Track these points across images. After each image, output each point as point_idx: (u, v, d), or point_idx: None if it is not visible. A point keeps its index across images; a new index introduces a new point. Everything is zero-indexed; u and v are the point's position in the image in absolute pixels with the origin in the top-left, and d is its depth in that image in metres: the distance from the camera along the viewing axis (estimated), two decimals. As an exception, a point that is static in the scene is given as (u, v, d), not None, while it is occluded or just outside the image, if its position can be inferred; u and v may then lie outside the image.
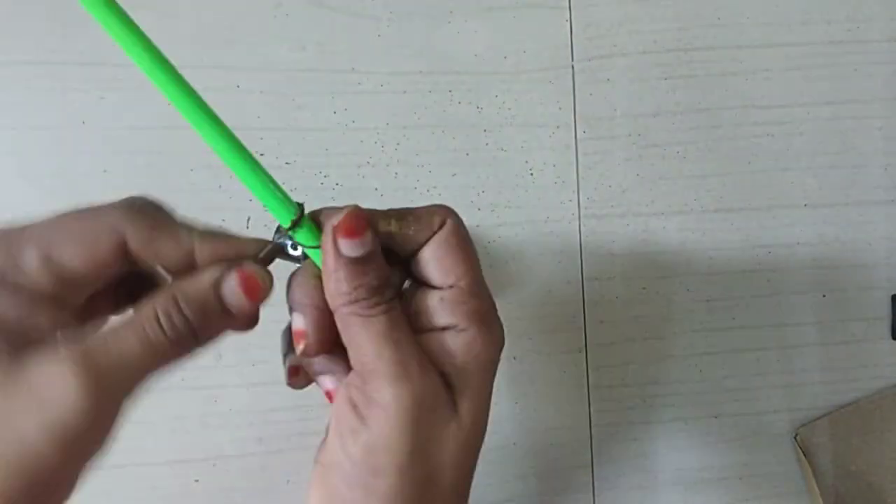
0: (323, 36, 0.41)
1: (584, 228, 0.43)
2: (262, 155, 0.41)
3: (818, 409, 0.45)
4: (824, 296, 0.45)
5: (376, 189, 0.42)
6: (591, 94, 0.43)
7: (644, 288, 0.44)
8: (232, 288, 0.23)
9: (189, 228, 0.23)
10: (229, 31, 0.40)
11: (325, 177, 0.41)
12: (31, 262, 0.20)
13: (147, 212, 0.22)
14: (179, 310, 0.21)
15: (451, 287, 0.24)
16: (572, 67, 0.43)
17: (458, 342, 0.23)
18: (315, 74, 0.41)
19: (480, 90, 0.42)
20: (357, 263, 0.23)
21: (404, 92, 0.42)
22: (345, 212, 0.23)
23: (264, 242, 0.24)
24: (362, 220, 0.23)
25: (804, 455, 0.44)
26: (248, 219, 0.41)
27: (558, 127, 0.43)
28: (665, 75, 0.43)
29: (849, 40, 0.44)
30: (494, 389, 0.43)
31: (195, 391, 0.41)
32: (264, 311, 0.42)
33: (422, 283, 0.25)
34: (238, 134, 0.41)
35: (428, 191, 0.42)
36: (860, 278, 0.45)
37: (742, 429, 0.45)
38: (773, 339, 0.45)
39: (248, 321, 0.24)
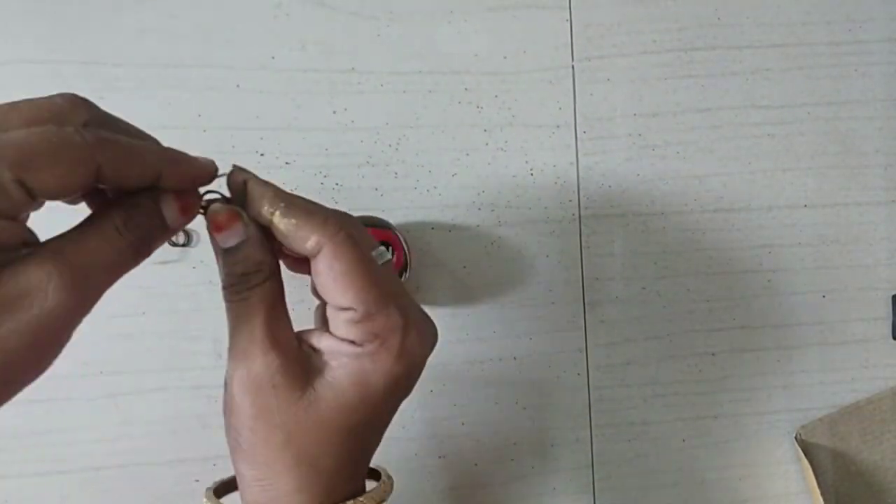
0: (323, 36, 0.41)
1: (584, 228, 0.43)
2: (261, 155, 0.41)
3: (818, 409, 0.45)
4: (824, 296, 0.45)
5: (376, 189, 0.42)
6: (591, 94, 0.43)
7: (644, 288, 0.44)
8: (171, 207, 0.25)
9: (151, 157, 0.24)
10: (229, 31, 0.40)
11: (325, 177, 0.41)
12: (6, 184, 0.20)
13: (118, 142, 0.23)
14: (134, 222, 0.24)
15: (345, 309, 0.26)
16: (572, 67, 0.43)
17: (349, 352, 0.26)
18: (315, 74, 0.41)
19: (480, 90, 0.42)
20: (227, 253, 0.26)
21: (404, 92, 0.42)
22: (218, 207, 0.26)
23: (208, 163, 0.27)
24: (229, 216, 0.26)
25: (804, 455, 0.44)
26: (248, 219, 0.41)
27: (558, 127, 0.43)
28: (665, 75, 0.43)
29: (849, 40, 0.44)
30: (495, 389, 0.43)
31: (195, 391, 0.41)
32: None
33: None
34: (238, 134, 0.41)
35: (428, 191, 0.42)
36: (860, 278, 0.45)
37: (742, 429, 0.45)
38: (773, 339, 0.45)
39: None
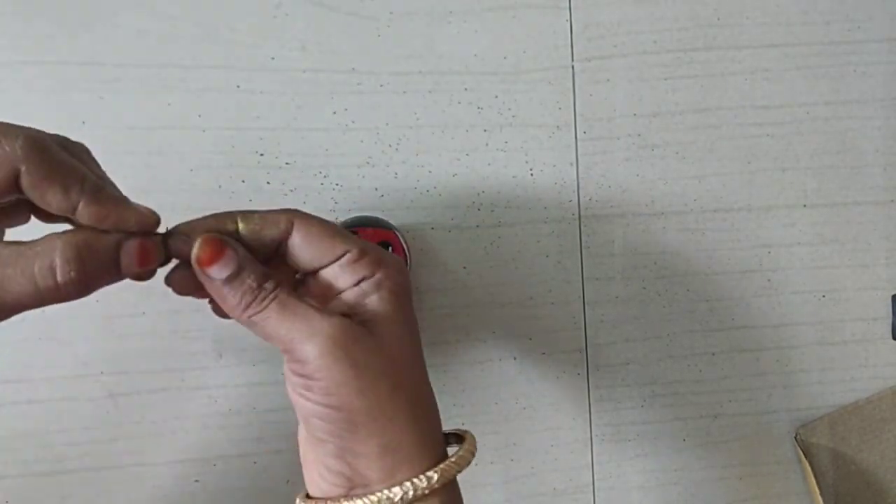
0: (323, 36, 0.41)
1: (584, 228, 0.43)
2: (261, 155, 0.41)
3: (818, 409, 0.45)
4: (824, 296, 0.45)
5: (376, 189, 0.42)
6: (591, 94, 0.43)
7: (644, 288, 0.44)
8: (129, 253, 0.24)
9: (80, 183, 0.23)
10: (229, 31, 0.40)
11: (324, 177, 0.41)
12: None
13: (47, 155, 0.23)
14: (79, 262, 0.23)
15: (340, 257, 0.27)
16: (572, 67, 0.43)
17: (370, 286, 0.28)
18: (315, 74, 0.41)
19: (480, 90, 0.42)
20: (231, 279, 0.26)
21: (404, 92, 0.42)
22: (198, 242, 0.25)
23: (145, 216, 0.25)
24: (217, 244, 0.25)
25: (804, 455, 0.44)
26: (248, 219, 0.41)
27: (558, 127, 0.43)
28: (665, 75, 0.43)
29: (849, 40, 0.44)
30: (496, 390, 0.43)
31: (195, 391, 0.41)
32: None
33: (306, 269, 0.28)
34: (238, 134, 0.41)
35: (428, 191, 0.42)
36: (860, 278, 0.45)
37: (742, 429, 0.45)
38: (773, 339, 0.45)
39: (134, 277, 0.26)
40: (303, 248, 0.27)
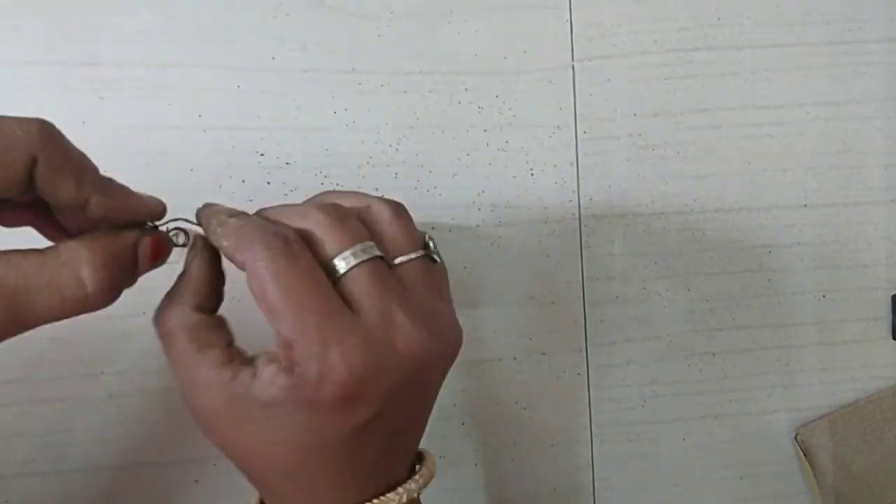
0: (323, 36, 0.41)
1: (584, 228, 0.43)
2: (262, 155, 0.41)
3: (818, 409, 0.45)
4: (824, 296, 0.45)
5: (377, 189, 0.42)
6: (591, 94, 0.43)
7: (644, 288, 0.44)
8: (144, 251, 0.25)
9: (92, 173, 0.24)
10: (229, 31, 0.40)
11: (325, 177, 0.41)
12: None
13: (60, 143, 0.22)
14: (107, 270, 0.23)
15: (278, 333, 0.25)
16: (572, 67, 0.43)
17: (269, 377, 0.25)
18: (315, 74, 0.41)
19: (480, 90, 0.42)
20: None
21: (404, 92, 0.42)
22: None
23: (154, 206, 0.27)
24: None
25: (804, 455, 0.44)
26: (248, 219, 0.41)
27: (558, 127, 0.43)
28: (665, 75, 0.43)
29: (849, 40, 0.44)
30: (496, 390, 0.43)
31: (195, 391, 0.41)
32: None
33: None
34: (238, 134, 0.41)
35: (428, 191, 0.42)
36: (860, 278, 0.45)
37: (742, 429, 0.45)
38: (773, 339, 0.45)
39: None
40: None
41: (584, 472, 0.44)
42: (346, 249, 0.25)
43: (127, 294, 0.40)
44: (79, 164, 0.23)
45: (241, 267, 0.25)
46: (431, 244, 0.29)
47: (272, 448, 0.25)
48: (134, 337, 0.40)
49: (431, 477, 0.29)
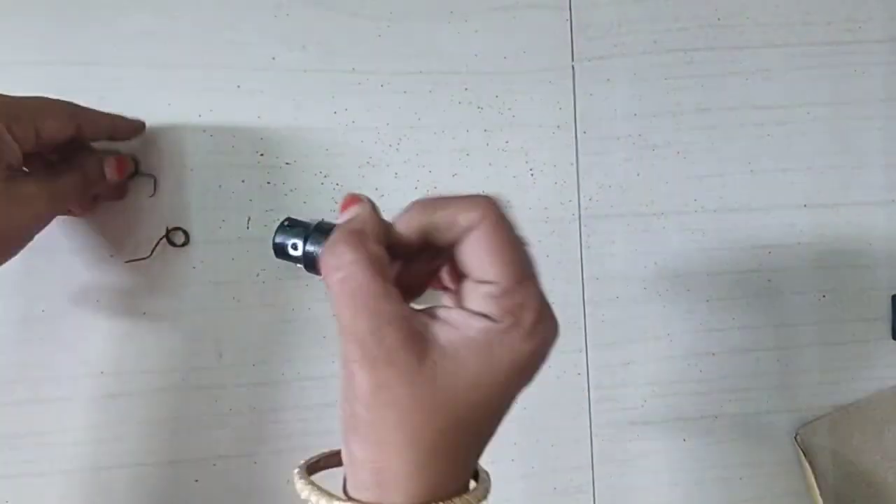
0: (323, 36, 0.41)
1: (584, 228, 0.43)
2: (261, 155, 0.41)
3: (818, 409, 0.45)
4: (824, 296, 0.45)
5: (377, 189, 0.42)
6: (591, 94, 0.43)
7: (644, 288, 0.44)
8: (110, 165, 0.37)
9: (104, 116, 0.37)
10: (229, 31, 0.40)
11: (325, 177, 0.41)
12: (30, 131, 0.32)
13: (88, 109, 0.36)
14: (84, 169, 0.36)
15: (488, 283, 0.25)
16: (572, 67, 0.43)
17: (479, 326, 0.25)
18: (315, 74, 0.41)
19: (480, 90, 0.42)
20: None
21: (404, 92, 0.42)
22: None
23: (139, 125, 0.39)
24: (351, 197, 0.28)
25: (804, 455, 0.44)
26: (249, 219, 0.41)
27: (558, 127, 0.43)
28: (665, 75, 0.43)
29: (849, 40, 0.44)
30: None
31: (195, 391, 0.41)
32: (260, 315, 0.42)
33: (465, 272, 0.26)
34: (239, 134, 0.41)
35: (428, 191, 0.42)
36: (860, 278, 0.45)
37: (742, 429, 0.45)
38: (773, 339, 0.45)
39: (118, 192, 0.40)
40: (468, 250, 0.26)
41: (584, 472, 0.44)
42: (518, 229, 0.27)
43: (127, 294, 0.41)
44: (99, 117, 0.37)
45: (462, 225, 0.26)
46: None
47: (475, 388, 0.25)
48: (134, 337, 0.40)
49: (486, 494, 0.27)
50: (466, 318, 0.25)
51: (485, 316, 0.25)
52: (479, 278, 0.25)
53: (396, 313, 0.24)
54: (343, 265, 0.25)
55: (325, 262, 0.25)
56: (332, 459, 0.29)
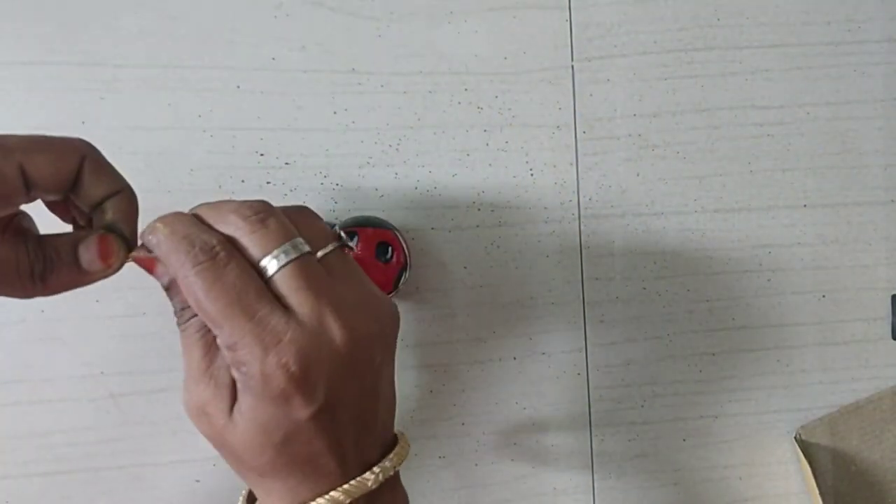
0: (323, 36, 0.41)
1: (584, 228, 0.43)
2: (261, 155, 0.41)
3: (818, 409, 0.45)
4: (824, 296, 0.45)
5: (376, 189, 0.42)
6: (591, 95, 0.43)
7: (644, 288, 0.44)
8: (90, 249, 0.27)
9: (120, 182, 0.29)
10: (229, 31, 0.40)
11: (324, 177, 0.41)
12: (9, 170, 0.25)
13: (98, 152, 0.28)
14: (40, 258, 0.26)
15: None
16: (572, 67, 0.43)
17: (238, 379, 0.27)
18: (315, 74, 0.41)
19: (480, 90, 0.42)
20: (165, 289, 0.28)
21: (404, 92, 0.42)
22: (140, 253, 0.27)
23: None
24: (148, 262, 0.27)
25: (804, 455, 0.44)
26: (249, 219, 0.41)
27: (558, 127, 0.43)
28: (665, 75, 0.43)
29: (849, 40, 0.44)
30: (496, 390, 0.43)
31: (195, 391, 0.41)
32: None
33: None
34: (238, 134, 0.41)
35: (428, 191, 0.42)
36: (860, 278, 0.45)
37: (742, 429, 0.45)
38: (773, 339, 0.45)
39: (102, 277, 0.28)
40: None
41: (584, 472, 0.44)
42: (270, 252, 0.26)
43: (127, 294, 0.41)
44: (111, 170, 0.28)
45: (174, 276, 0.26)
46: (342, 234, 0.31)
47: (243, 443, 0.27)
48: (134, 337, 0.40)
49: (405, 455, 0.30)
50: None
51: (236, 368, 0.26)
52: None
53: (219, 370, 0.27)
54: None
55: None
56: None
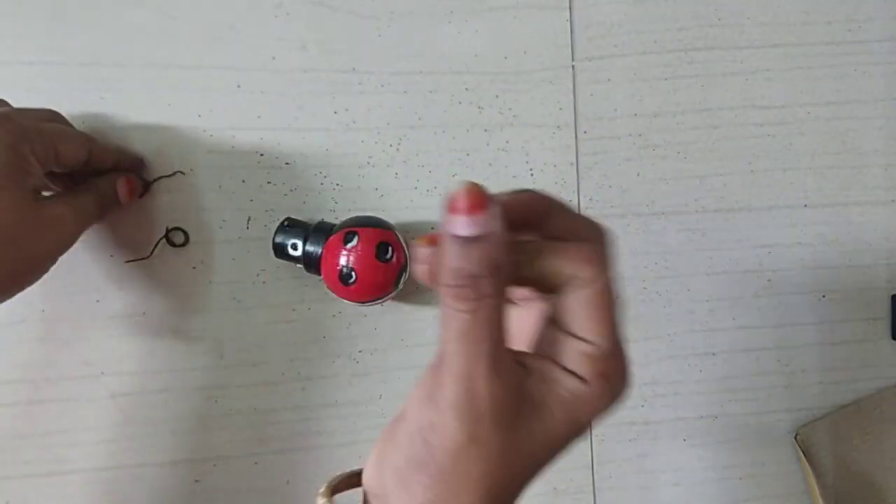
0: (324, 36, 0.41)
1: (584, 228, 0.43)
2: (261, 155, 0.41)
3: (818, 409, 0.45)
4: (824, 296, 0.45)
5: (376, 189, 0.42)
6: (591, 94, 0.43)
7: (644, 288, 0.44)
8: (122, 185, 0.38)
9: (111, 149, 0.38)
10: (229, 31, 0.40)
11: (324, 177, 0.41)
12: (50, 155, 0.33)
13: (96, 139, 0.38)
14: (100, 190, 0.37)
15: (586, 342, 0.24)
16: (572, 67, 0.43)
17: (571, 388, 0.24)
18: (316, 74, 0.41)
19: (480, 90, 0.42)
20: (459, 243, 0.22)
21: (405, 92, 0.42)
22: (464, 187, 0.23)
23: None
24: (479, 198, 0.23)
25: (804, 455, 0.44)
26: (249, 219, 0.41)
27: (558, 127, 0.43)
28: (665, 75, 0.43)
29: (849, 40, 0.44)
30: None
31: (196, 391, 0.41)
32: (260, 315, 0.42)
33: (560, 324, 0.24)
34: (238, 134, 0.41)
35: (428, 191, 0.42)
36: (860, 278, 0.45)
37: (742, 429, 0.45)
38: (773, 339, 0.45)
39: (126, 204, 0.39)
40: (569, 306, 0.24)
41: (584, 472, 0.44)
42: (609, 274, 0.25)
43: (127, 294, 0.41)
44: (106, 146, 0.38)
45: (570, 280, 0.24)
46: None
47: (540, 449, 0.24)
48: (134, 337, 0.40)
49: None
50: (560, 375, 0.24)
51: (577, 376, 0.24)
52: (576, 333, 0.24)
53: (509, 367, 0.23)
54: (480, 298, 0.22)
55: (460, 292, 0.22)
56: (352, 480, 0.28)
